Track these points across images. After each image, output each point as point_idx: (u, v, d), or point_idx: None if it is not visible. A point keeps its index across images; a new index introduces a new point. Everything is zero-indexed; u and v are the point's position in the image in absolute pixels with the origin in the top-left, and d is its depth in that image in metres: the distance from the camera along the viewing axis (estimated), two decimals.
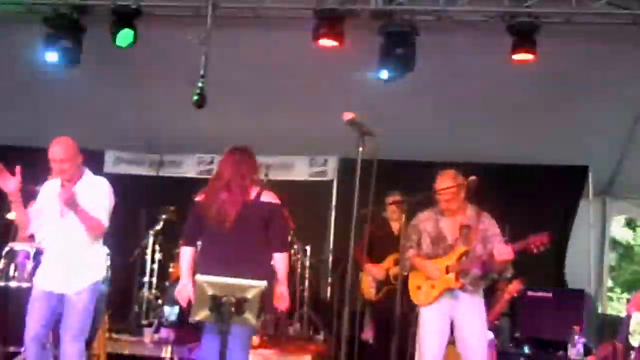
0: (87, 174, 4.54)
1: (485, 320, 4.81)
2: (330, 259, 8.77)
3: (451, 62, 6.47)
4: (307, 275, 8.19)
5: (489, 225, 4.80)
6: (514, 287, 6.39)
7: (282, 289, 4.19)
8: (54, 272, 4.39)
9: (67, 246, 4.36)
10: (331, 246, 8.87)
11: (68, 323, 4.29)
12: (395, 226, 6.54)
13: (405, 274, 4.92)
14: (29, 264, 4.98)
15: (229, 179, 4.14)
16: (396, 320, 4.69)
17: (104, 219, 4.45)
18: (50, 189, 4.54)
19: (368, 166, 3.68)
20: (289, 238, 7.13)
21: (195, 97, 6.59)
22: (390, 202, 6.04)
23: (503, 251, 4.51)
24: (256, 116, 7.72)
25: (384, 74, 6.08)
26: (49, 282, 4.39)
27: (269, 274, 4.04)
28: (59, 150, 4.39)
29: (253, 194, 4.14)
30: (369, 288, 6.37)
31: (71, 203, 4.20)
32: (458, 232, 4.80)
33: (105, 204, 4.49)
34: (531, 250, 4.45)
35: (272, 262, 4.20)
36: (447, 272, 4.70)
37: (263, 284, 3.13)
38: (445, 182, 4.78)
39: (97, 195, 4.46)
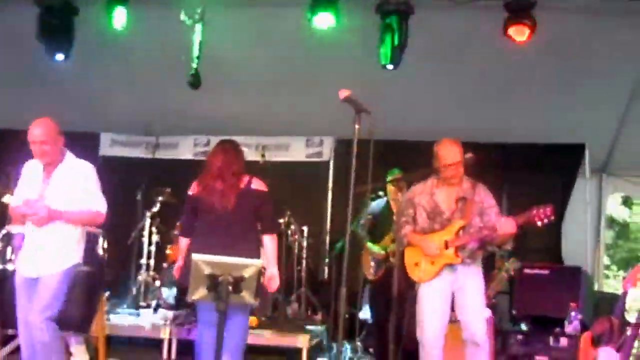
0: (69, 157, 4.46)
1: (483, 288, 4.80)
2: (328, 239, 8.78)
3: (447, 40, 6.43)
4: (304, 256, 8.21)
5: (485, 197, 4.77)
6: (512, 265, 6.41)
7: (272, 270, 4.35)
8: (30, 257, 4.40)
9: (42, 230, 4.33)
10: (328, 226, 8.88)
11: (37, 297, 4.30)
12: (394, 205, 6.56)
13: (401, 249, 4.88)
14: None
15: (221, 170, 4.40)
16: (393, 297, 4.69)
17: (101, 206, 4.42)
18: (30, 171, 4.48)
19: (365, 145, 3.67)
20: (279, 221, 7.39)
21: (190, 78, 6.58)
22: (390, 181, 6.04)
23: (506, 225, 4.47)
24: (252, 97, 7.69)
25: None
26: (27, 267, 4.41)
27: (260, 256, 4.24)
28: (39, 131, 4.30)
29: (244, 182, 4.43)
30: (368, 267, 6.41)
31: (50, 219, 4.21)
32: (454, 204, 4.75)
33: (94, 189, 4.44)
34: (535, 223, 4.41)
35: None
36: (447, 247, 4.66)
37: (260, 262, 3.14)
38: (456, 155, 4.69)
39: (84, 181, 4.41)
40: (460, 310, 4.73)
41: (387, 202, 6.53)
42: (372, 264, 6.39)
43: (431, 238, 4.73)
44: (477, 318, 4.69)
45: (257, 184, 4.49)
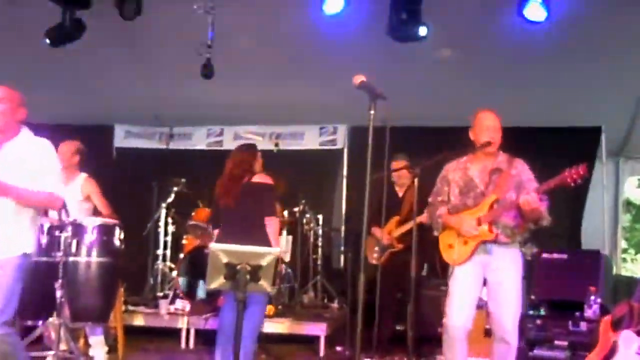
0: (25, 132, 4.08)
1: (520, 278, 4.51)
2: (343, 227, 8.78)
3: (462, 24, 6.36)
4: (319, 244, 8.22)
5: (522, 170, 4.55)
6: (529, 250, 6.37)
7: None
8: None
9: None
10: (343, 214, 8.88)
11: None
12: (400, 190, 6.54)
13: (437, 234, 4.66)
14: (43, 238, 4.97)
15: (231, 170, 5.04)
16: (411, 281, 4.63)
17: (56, 188, 3.97)
18: None
19: (380, 132, 3.63)
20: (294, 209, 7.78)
21: (203, 68, 6.57)
22: (400, 167, 6.00)
23: (528, 200, 4.21)
24: (265, 86, 7.66)
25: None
26: None
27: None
28: None
29: (248, 177, 4.98)
30: (372, 252, 6.40)
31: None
32: (488, 177, 4.53)
33: (50, 169, 3.98)
34: (568, 184, 4.16)
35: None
36: (480, 224, 4.41)
37: (277, 250, 3.13)
38: (494, 120, 4.56)
39: (39, 158, 3.95)
40: (493, 303, 4.46)
41: (391, 186, 6.50)
42: (376, 248, 6.39)
43: (464, 216, 4.49)
44: (511, 315, 4.40)
45: (261, 178, 5.00)
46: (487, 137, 4.51)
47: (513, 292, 4.45)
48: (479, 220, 4.43)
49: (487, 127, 4.55)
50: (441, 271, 5.91)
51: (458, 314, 4.44)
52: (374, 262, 6.35)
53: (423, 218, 5.90)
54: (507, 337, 4.41)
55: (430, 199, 4.80)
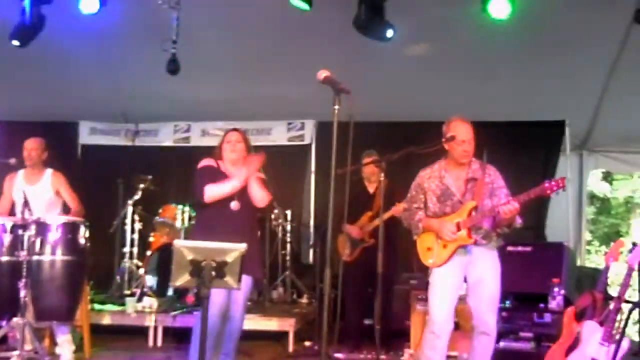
0: None
1: (499, 275, 4.66)
2: (312, 222, 8.79)
3: (425, 19, 6.39)
4: (288, 240, 8.22)
5: (495, 177, 4.69)
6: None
7: None
8: None
9: None
10: (312, 210, 8.88)
11: None
12: (370, 186, 6.58)
13: (415, 238, 4.77)
14: (6, 237, 4.90)
15: None
16: (378, 276, 4.67)
17: None
18: None
19: (346, 127, 3.64)
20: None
21: (169, 64, 6.51)
22: (368, 162, 6.03)
23: (508, 209, 4.36)
24: (231, 81, 7.62)
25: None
26: None
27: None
28: None
29: None
30: (344, 248, 6.43)
31: None
32: (464, 186, 4.66)
33: None
34: (546, 195, 4.35)
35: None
36: (459, 229, 4.54)
37: (242, 246, 3.12)
38: (469, 132, 4.62)
39: None
40: (474, 297, 4.61)
41: (361, 182, 6.55)
42: (348, 244, 6.43)
43: (444, 220, 4.61)
44: (491, 308, 4.58)
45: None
46: (463, 153, 4.62)
47: (493, 287, 4.61)
48: (458, 226, 4.56)
49: (462, 141, 4.62)
50: (417, 267, 5.99)
51: (439, 315, 4.57)
52: (346, 258, 6.38)
53: (393, 212, 5.93)
54: (489, 330, 4.57)
55: (405, 205, 4.90)
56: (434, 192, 4.72)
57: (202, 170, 4.61)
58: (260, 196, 4.59)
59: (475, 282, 4.61)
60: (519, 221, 4.63)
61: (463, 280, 4.66)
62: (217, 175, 4.57)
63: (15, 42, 6.28)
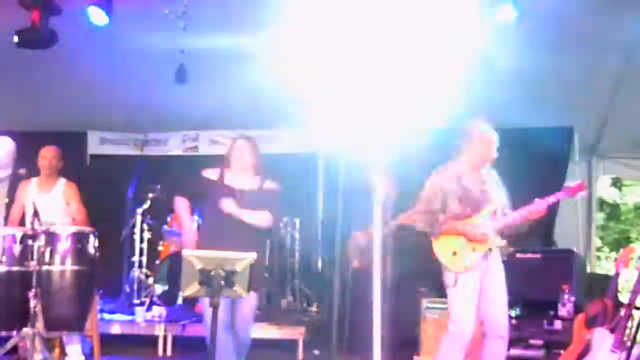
0: None
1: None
2: (320, 230, 8.78)
3: (430, 25, 6.38)
4: (297, 248, 8.21)
5: (498, 181, 4.77)
6: (504, 251, 6.44)
7: None
8: None
9: None
10: (320, 217, 8.87)
11: None
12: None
13: (433, 239, 4.70)
14: (16, 247, 4.92)
15: None
16: (387, 285, 4.65)
17: None
18: None
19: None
20: None
21: (177, 73, 6.54)
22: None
23: (537, 209, 4.46)
24: (239, 89, 7.63)
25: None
26: None
27: None
28: None
29: None
30: (354, 257, 6.37)
31: None
32: (480, 186, 4.64)
33: None
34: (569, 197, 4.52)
35: None
36: (488, 232, 4.52)
37: (252, 255, 3.12)
38: (489, 129, 4.69)
39: None
40: (488, 301, 4.57)
41: None
42: (357, 251, 6.36)
43: (473, 223, 4.55)
44: (504, 311, 4.59)
45: None
46: (492, 154, 4.68)
47: (504, 290, 4.62)
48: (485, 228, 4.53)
49: (491, 141, 4.68)
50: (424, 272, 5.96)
51: (468, 321, 4.52)
52: (357, 265, 6.34)
53: (403, 220, 5.91)
54: (503, 332, 4.55)
55: (421, 207, 4.79)
56: (455, 193, 4.63)
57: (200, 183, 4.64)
58: (259, 222, 4.50)
59: (489, 287, 4.58)
60: (525, 227, 4.67)
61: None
62: (213, 188, 4.53)
63: (15, 38, 6.27)
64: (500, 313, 4.57)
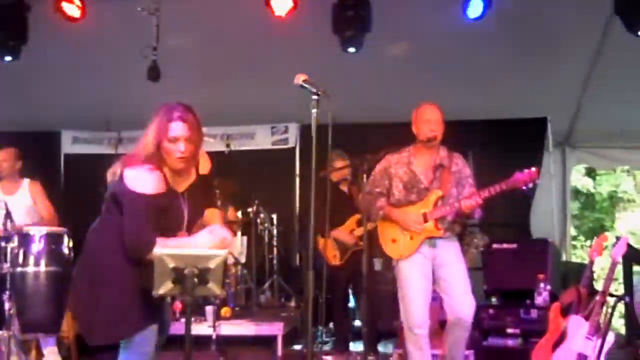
0: None
1: (465, 263, 4.62)
2: (297, 225, 8.77)
3: (405, 19, 6.41)
4: (275, 244, 8.21)
5: (462, 166, 4.65)
6: (481, 241, 6.50)
7: None
8: None
9: None
10: (297, 213, 8.87)
11: None
12: (344, 185, 6.49)
13: (374, 225, 4.68)
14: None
15: None
16: (363, 278, 4.65)
17: None
18: None
19: (326, 130, 3.64)
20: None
21: (149, 70, 6.48)
22: (343, 167, 6.02)
23: (470, 204, 4.33)
24: (214, 87, 7.60)
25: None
26: None
27: None
28: None
29: None
30: (332, 254, 6.35)
31: None
32: (432, 174, 4.58)
33: None
34: (520, 188, 4.29)
35: None
36: (425, 220, 4.47)
37: (225, 252, 3.10)
38: (436, 113, 4.54)
39: None
40: (448, 291, 4.49)
41: (336, 186, 6.35)
42: (337, 249, 6.32)
43: (409, 211, 4.52)
44: (467, 298, 4.46)
45: None
46: (429, 132, 4.54)
47: (462, 270, 4.54)
48: (425, 216, 4.49)
49: (428, 120, 4.56)
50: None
51: (416, 310, 4.46)
52: (336, 263, 6.31)
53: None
54: (467, 321, 4.45)
55: (367, 188, 4.73)
56: (400, 178, 4.61)
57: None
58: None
59: (447, 276, 4.50)
60: (478, 214, 4.60)
61: (432, 276, 4.54)
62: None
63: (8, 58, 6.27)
64: (465, 304, 4.44)
